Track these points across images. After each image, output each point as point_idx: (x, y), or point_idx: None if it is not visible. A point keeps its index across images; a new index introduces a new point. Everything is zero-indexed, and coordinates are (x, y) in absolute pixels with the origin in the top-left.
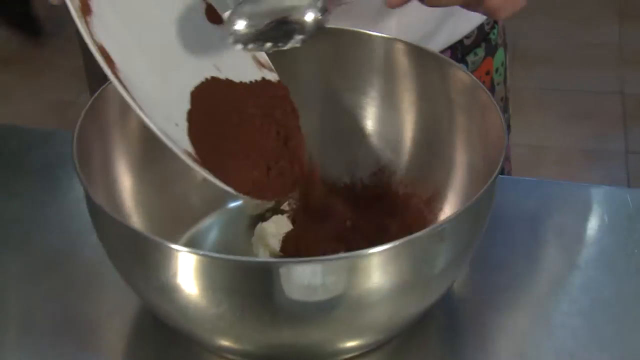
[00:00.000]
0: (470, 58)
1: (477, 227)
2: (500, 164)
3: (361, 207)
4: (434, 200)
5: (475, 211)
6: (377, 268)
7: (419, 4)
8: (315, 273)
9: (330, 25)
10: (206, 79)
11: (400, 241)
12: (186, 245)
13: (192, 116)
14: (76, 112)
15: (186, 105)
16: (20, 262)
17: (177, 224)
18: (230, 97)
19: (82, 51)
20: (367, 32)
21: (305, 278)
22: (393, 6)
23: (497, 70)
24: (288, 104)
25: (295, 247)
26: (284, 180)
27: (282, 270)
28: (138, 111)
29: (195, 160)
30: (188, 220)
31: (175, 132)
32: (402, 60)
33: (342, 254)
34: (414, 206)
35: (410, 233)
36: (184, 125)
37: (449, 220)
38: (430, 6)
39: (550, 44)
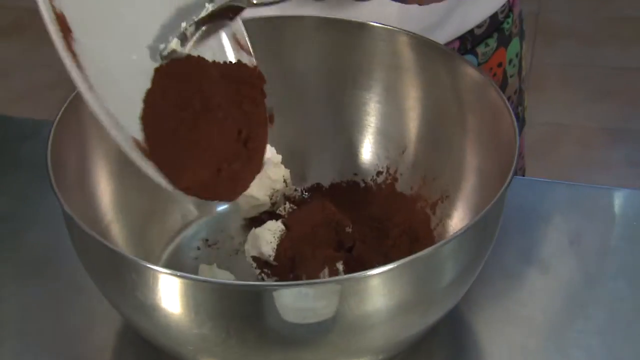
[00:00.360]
0: (480, 49)
1: (485, 242)
2: (511, 174)
3: (362, 209)
4: (440, 204)
5: (483, 225)
6: (374, 290)
7: None
8: (306, 296)
9: (330, 15)
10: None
11: (398, 262)
12: (173, 254)
13: (149, 97)
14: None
15: (147, 83)
16: (7, 263)
17: (163, 231)
18: (198, 77)
19: None
20: (370, 22)
21: (296, 301)
22: None
23: (510, 61)
24: (259, 95)
25: (291, 255)
26: (234, 184)
27: (270, 295)
28: (78, 84)
29: (142, 149)
30: (175, 227)
31: (126, 115)
32: (407, 54)
33: (333, 278)
34: (418, 209)
35: (413, 238)
36: (139, 106)
37: (453, 238)
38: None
39: (574, 18)
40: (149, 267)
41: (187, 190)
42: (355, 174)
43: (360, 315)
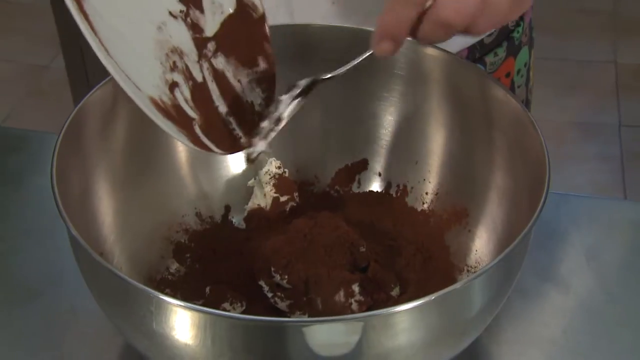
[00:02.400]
0: (489, 58)
1: (513, 271)
2: (543, 199)
3: (373, 223)
4: (456, 220)
5: (513, 254)
6: (400, 325)
7: None
8: (326, 332)
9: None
10: None
11: (427, 299)
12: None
13: None
14: (50, 76)
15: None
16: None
17: (167, 247)
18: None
19: (55, 16)
20: None
21: (321, 337)
22: (380, 54)
23: (518, 71)
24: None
25: (304, 278)
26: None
27: (289, 331)
28: (97, 52)
29: (160, 108)
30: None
31: (141, 76)
32: (429, 67)
33: (358, 315)
34: (432, 225)
35: (427, 256)
36: (151, 65)
37: (484, 272)
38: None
39: (542, 11)
40: (167, 301)
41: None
42: (366, 186)
43: (385, 350)
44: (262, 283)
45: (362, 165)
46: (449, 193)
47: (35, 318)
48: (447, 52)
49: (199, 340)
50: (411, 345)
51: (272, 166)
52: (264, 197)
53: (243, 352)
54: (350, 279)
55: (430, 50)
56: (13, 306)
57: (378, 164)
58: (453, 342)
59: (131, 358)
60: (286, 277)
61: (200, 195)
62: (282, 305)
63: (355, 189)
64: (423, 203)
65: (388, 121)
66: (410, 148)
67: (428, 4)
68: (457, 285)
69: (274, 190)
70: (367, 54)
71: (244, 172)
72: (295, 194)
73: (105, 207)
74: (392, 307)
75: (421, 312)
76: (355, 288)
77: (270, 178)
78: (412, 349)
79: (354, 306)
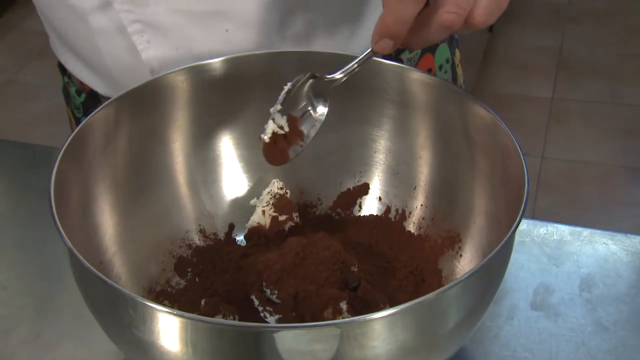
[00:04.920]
0: (405, 55)
1: (491, 287)
2: (519, 219)
3: (369, 246)
4: (449, 245)
5: (489, 269)
6: (375, 335)
7: None
8: (305, 339)
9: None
10: None
11: (400, 307)
12: (177, 284)
13: None
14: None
15: None
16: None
17: (168, 262)
18: None
19: None
20: (380, 59)
21: (295, 344)
22: (380, 52)
23: (441, 67)
24: None
25: (294, 293)
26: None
27: (269, 336)
28: None
29: None
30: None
31: None
32: (417, 92)
33: (332, 322)
34: (427, 249)
35: (419, 279)
36: None
37: (458, 282)
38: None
39: (598, 54)
40: (146, 304)
41: None
42: (367, 210)
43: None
44: (253, 297)
45: (364, 190)
46: (445, 219)
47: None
48: (434, 76)
49: (176, 344)
50: (385, 356)
51: (275, 186)
52: (263, 215)
53: (215, 356)
54: (338, 296)
55: (416, 75)
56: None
57: (377, 189)
58: (429, 355)
59: None
60: (276, 292)
61: (204, 213)
62: (271, 319)
63: (356, 212)
64: (420, 228)
65: (384, 146)
66: (406, 173)
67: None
68: (430, 296)
69: (273, 210)
70: (367, 52)
71: (249, 191)
72: (295, 214)
73: (107, 220)
74: (365, 315)
75: (394, 321)
76: (343, 306)
77: (271, 198)
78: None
79: None
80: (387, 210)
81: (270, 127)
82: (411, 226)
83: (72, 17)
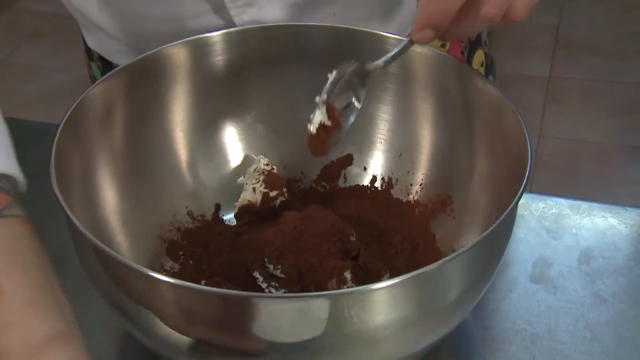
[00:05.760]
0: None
1: (494, 259)
2: (522, 189)
3: (360, 216)
4: (442, 210)
5: (492, 241)
6: (377, 305)
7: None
8: (308, 310)
9: (340, 24)
10: None
11: (402, 278)
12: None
13: None
14: None
15: None
16: None
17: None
18: None
19: None
20: (380, 32)
21: (297, 314)
22: (420, 42)
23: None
24: None
25: (298, 267)
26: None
27: (263, 305)
28: None
29: None
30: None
31: None
32: (419, 66)
33: (336, 291)
34: (417, 215)
35: (414, 245)
36: None
37: (460, 254)
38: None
39: (596, 33)
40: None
41: None
42: (352, 180)
43: (363, 330)
44: (256, 274)
45: (347, 161)
46: (433, 183)
47: None
48: (431, 48)
49: (171, 311)
50: (387, 326)
51: (261, 163)
52: (253, 193)
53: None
54: (342, 266)
55: (416, 48)
56: None
57: (363, 159)
58: (430, 327)
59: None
60: (279, 267)
61: (191, 193)
62: (277, 294)
63: (341, 183)
64: (408, 194)
65: (372, 117)
66: (395, 142)
67: None
68: (432, 266)
69: (263, 186)
70: (406, 41)
71: (234, 171)
72: (284, 190)
73: (103, 201)
74: (369, 285)
75: (397, 292)
76: (347, 275)
77: (260, 174)
78: (388, 331)
79: None
80: (373, 179)
81: (318, 117)
82: (399, 193)
83: None
